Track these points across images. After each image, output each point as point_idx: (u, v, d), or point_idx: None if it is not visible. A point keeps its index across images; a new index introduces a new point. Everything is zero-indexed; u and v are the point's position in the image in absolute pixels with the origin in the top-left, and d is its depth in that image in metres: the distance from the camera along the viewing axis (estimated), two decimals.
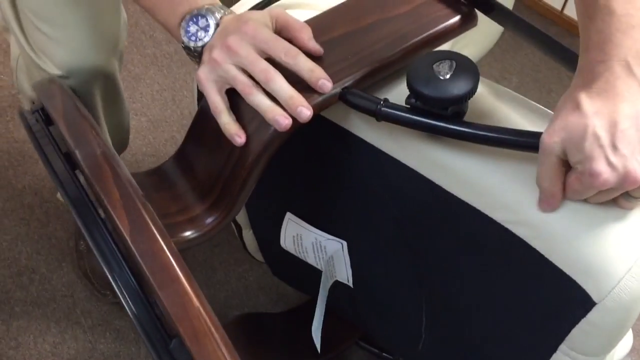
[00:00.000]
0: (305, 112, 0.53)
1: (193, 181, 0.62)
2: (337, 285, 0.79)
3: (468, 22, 0.62)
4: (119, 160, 0.53)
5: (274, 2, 0.67)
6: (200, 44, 0.56)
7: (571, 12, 1.60)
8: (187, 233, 0.58)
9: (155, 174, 0.64)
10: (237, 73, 0.54)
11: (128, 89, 1.46)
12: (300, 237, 0.78)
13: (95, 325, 1.11)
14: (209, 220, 0.59)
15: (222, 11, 0.58)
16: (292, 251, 0.81)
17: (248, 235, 0.98)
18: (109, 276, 0.49)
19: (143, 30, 1.57)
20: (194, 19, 0.56)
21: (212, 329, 0.47)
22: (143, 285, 0.50)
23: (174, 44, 1.50)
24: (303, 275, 0.85)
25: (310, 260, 0.80)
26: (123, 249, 0.51)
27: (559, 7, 1.61)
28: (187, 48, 0.58)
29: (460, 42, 1.20)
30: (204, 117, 0.62)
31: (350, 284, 0.77)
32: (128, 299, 0.49)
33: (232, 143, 0.58)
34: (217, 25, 0.57)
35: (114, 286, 0.49)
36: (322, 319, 0.78)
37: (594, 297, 0.49)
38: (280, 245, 0.80)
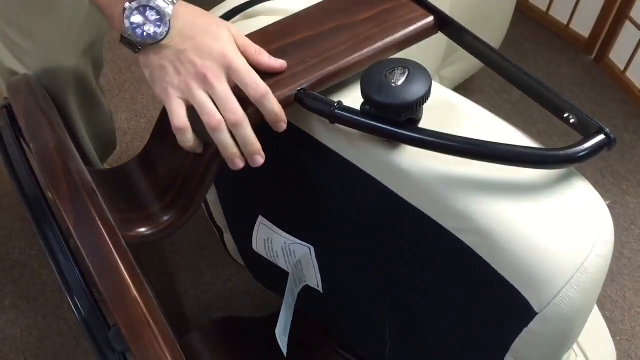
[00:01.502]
0: (259, 159, 0.56)
1: (153, 180, 0.62)
2: (308, 289, 0.79)
3: (429, 30, 0.62)
4: (73, 154, 0.54)
5: (240, 12, 0.68)
6: (149, 40, 0.54)
7: (577, 26, 1.58)
8: (142, 229, 0.59)
9: (120, 172, 0.65)
10: (207, 102, 0.54)
11: (130, 90, 1.48)
12: (270, 240, 0.78)
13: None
14: (165, 218, 0.60)
15: (170, 3, 0.54)
16: (264, 255, 0.81)
17: (229, 239, 0.98)
18: (54, 267, 0.50)
19: None
20: (141, 10, 0.53)
21: (150, 319, 0.47)
22: (87, 277, 0.51)
23: None
24: (279, 279, 0.85)
25: (281, 264, 0.80)
26: (72, 243, 0.52)
27: (565, 21, 1.59)
28: (126, 40, 0.54)
29: (453, 56, 1.21)
30: (167, 118, 0.63)
31: (320, 289, 0.77)
32: (71, 288, 0.50)
33: None
34: (168, 19, 0.54)
35: (58, 277, 0.50)
36: (289, 324, 0.78)
37: (535, 307, 0.49)
38: None
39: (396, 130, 0.53)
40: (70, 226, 0.49)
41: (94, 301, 0.50)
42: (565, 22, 1.60)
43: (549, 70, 1.56)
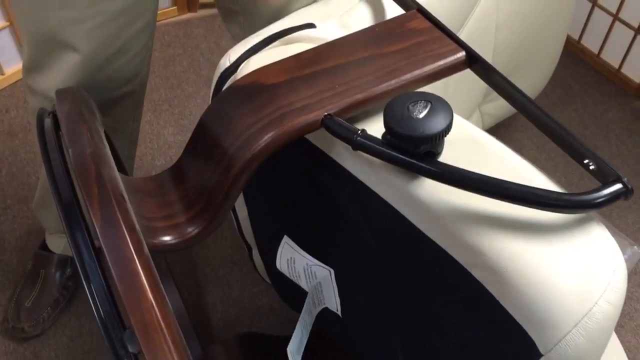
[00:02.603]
0: None
1: (183, 191, 0.65)
2: (327, 310, 0.80)
3: (459, 65, 0.63)
4: (107, 160, 0.57)
5: (279, 38, 0.71)
6: None
7: (629, 71, 1.56)
8: (167, 238, 0.62)
9: (153, 181, 0.68)
10: None
11: (179, 106, 1.54)
12: (293, 260, 0.80)
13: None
14: (190, 229, 0.62)
15: None
16: (286, 274, 0.82)
17: (257, 256, 1.00)
18: (79, 267, 0.53)
19: (202, 52, 1.66)
20: None
21: (163, 325, 0.49)
22: (108, 279, 0.54)
23: None
24: (302, 299, 0.86)
25: (303, 284, 0.81)
26: (98, 245, 0.55)
27: (616, 65, 1.57)
28: None
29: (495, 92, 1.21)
30: (201, 130, 0.66)
31: (339, 312, 0.78)
32: (92, 288, 0.52)
33: (220, 156, 0.61)
34: None
35: (82, 277, 0.53)
36: (304, 344, 0.79)
37: (541, 348, 0.49)
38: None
39: (414, 161, 0.54)
40: (96, 228, 0.52)
41: (113, 302, 0.53)
42: (616, 65, 1.57)
43: (596, 113, 1.54)
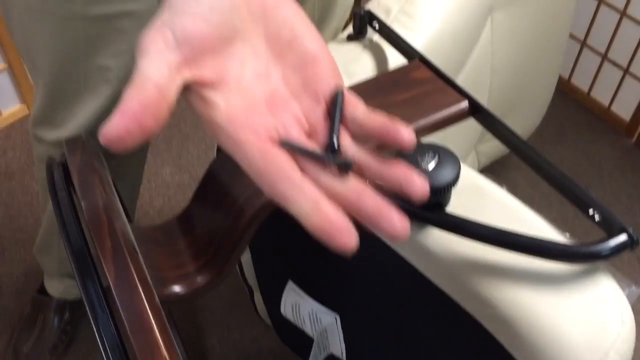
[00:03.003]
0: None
1: (191, 240, 0.66)
2: (332, 358, 0.80)
3: (463, 114, 0.64)
4: (119, 213, 0.58)
5: None
6: None
7: (619, 109, 1.59)
8: (177, 288, 0.62)
9: (161, 230, 0.68)
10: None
11: (177, 146, 1.55)
12: (298, 306, 0.80)
13: None
14: (199, 278, 0.63)
15: None
16: (290, 319, 0.82)
17: (258, 299, 1.00)
18: (91, 319, 0.53)
19: None
20: None
21: None
22: (122, 333, 0.54)
23: None
24: (305, 343, 0.86)
25: (307, 330, 0.81)
26: (111, 302, 0.55)
27: (606, 103, 1.61)
28: None
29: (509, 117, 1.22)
30: (210, 179, 0.67)
31: (344, 358, 0.78)
32: (105, 342, 0.52)
33: (229, 206, 0.62)
34: None
35: (94, 329, 0.53)
36: None
37: None
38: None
39: (423, 212, 0.55)
40: (110, 283, 0.52)
41: (126, 356, 0.53)
42: (606, 104, 1.61)
43: (588, 151, 1.57)
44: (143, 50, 0.34)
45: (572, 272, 0.52)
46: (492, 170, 1.41)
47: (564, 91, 1.68)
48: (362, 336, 0.74)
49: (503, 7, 1.01)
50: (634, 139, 1.56)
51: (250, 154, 0.35)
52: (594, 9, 1.52)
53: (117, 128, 0.32)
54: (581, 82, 1.66)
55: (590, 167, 1.53)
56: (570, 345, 0.49)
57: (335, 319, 0.75)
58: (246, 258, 0.93)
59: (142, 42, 0.34)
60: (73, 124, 0.78)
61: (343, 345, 0.77)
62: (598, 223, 0.54)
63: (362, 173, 0.37)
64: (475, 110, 0.66)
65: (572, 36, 1.61)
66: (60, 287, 1.11)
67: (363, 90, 0.68)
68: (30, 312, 1.14)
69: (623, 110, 1.58)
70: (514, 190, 1.63)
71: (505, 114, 1.23)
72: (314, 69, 0.39)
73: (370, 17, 0.78)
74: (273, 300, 0.92)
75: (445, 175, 0.54)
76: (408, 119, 0.64)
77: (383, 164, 0.37)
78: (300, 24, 0.39)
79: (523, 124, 1.35)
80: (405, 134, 0.37)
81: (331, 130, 0.38)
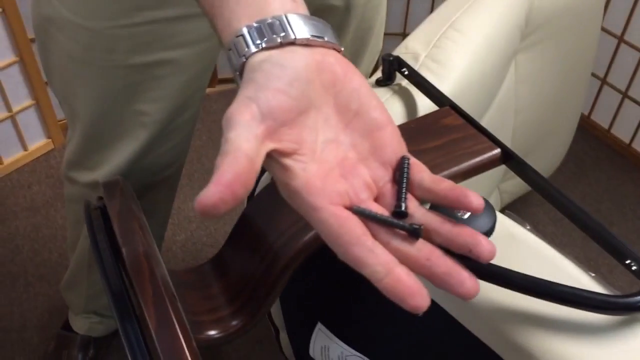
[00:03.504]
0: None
1: (225, 283, 0.66)
2: None
3: (495, 162, 0.65)
4: (159, 259, 0.59)
5: None
6: None
7: (639, 146, 1.59)
8: (212, 332, 0.62)
9: (194, 273, 0.69)
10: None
11: (199, 180, 1.57)
12: (327, 348, 0.80)
13: None
14: (234, 322, 0.63)
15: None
16: None
17: (284, 339, 1.00)
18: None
19: (221, 127, 1.69)
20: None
21: None
22: None
23: None
24: None
25: None
26: (150, 344, 0.56)
27: (627, 140, 1.61)
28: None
29: (532, 155, 1.23)
30: (244, 223, 0.68)
31: None
32: None
33: (264, 251, 0.63)
34: None
35: None
36: None
37: None
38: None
39: (461, 261, 0.55)
40: (151, 329, 0.53)
41: None
42: (627, 141, 1.61)
43: (609, 187, 1.56)
44: (231, 122, 0.36)
45: (610, 322, 0.53)
46: (514, 206, 1.41)
47: (585, 127, 1.69)
48: None
49: (527, 50, 1.02)
50: None
51: (326, 219, 0.37)
52: (615, 46, 1.54)
53: (212, 197, 0.34)
54: (602, 118, 1.66)
55: (612, 204, 1.52)
56: None
57: None
58: None
59: (229, 114, 0.37)
60: (108, 167, 0.79)
61: None
62: (635, 273, 0.54)
63: (429, 236, 0.40)
64: (507, 157, 0.67)
65: (592, 74, 1.62)
66: (86, 323, 1.12)
67: None
68: (55, 349, 1.14)
69: None
70: (536, 227, 1.62)
71: (528, 152, 1.24)
72: (380, 136, 0.42)
73: (400, 63, 0.79)
74: (300, 341, 0.92)
75: (481, 224, 0.55)
76: (440, 166, 0.65)
77: (451, 228, 0.40)
78: (366, 93, 0.41)
79: (545, 162, 1.35)
80: (474, 198, 0.39)
81: (399, 195, 0.41)
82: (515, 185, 1.29)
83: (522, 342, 0.53)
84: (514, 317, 0.54)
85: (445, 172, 0.65)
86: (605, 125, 1.65)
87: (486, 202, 0.57)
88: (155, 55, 0.69)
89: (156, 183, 0.88)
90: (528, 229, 0.94)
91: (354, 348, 0.75)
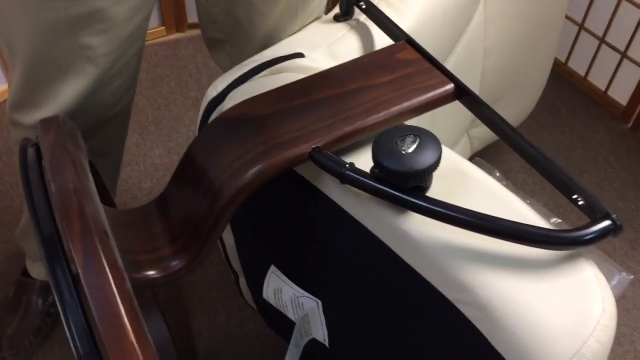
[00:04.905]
0: None
1: (167, 224, 0.64)
2: (314, 341, 0.79)
3: (448, 97, 0.63)
4: (91, 196, 0.56)
5: (267, 67, 0.70)
6: None
7: (615, 94, 1.57)
8: (151, 272, 0.60)
9: (138, 213, 0.67)
10: None
11: (166, 128, 1.53)
12: (280, 290, 0.78)
13: None
14: (175, 263, 0.61)
15: None
16: (273, 304, 0.81)
17: (243, 283, 0.99)
18: (59, 304, 0.52)
19: (190, 73, 1.65)
20: None
21: None
22: (90, 319, 0.52)
23: None
24: (289, 327, 0.85)
25: (290, 314, 0.80)
26: (79, 284, 0.54)
27: (603, 87, 1.58)
28: None
29: (503, 100, 1.20)
30: (188, 161, 0.65)
31: (326, 343, 0.77)
32: (72, 327, 0.51)
33: (206, 189, 0.60)
34: None
35: (62, 315, 0.51)
36: None
37: None
38: None
39: (403, 196, 0.53)
40: (78, 267, 0.51)
41: (94, 342, 0.51)
42: (603, 88, 1.58)
43: (583, 135, 1.55)
44: None
45: (553, 258, 0.51)
46: (485, 154, 1.39)
47: (561, 75, 1.66)
48: (345, 322, 0.72)
49: None
50: (630, 123, 1.54)
51: None
52: None
53: None
54: (578, 65, 1.63)
55: (585, 152, 1.51)
56: (548, 332, 0.47)
57: (317, 304, 0.74)
58: (230, 243, 0.91)
59: None
60: (54, 105, 0.76)
61: (325, 330, 0.75)
62: (581, 208, 0.52)
63: None
64: (462, 93, 0.64)
65: (569, 19, 1.58)
66: (43, 270, 1.10)
67: (346, 71, 0.66)
68: (14, 295, 1.12)
69: (620, 94, 1.55)
70: (507, 174, 1.60)
71: (500, 97, 1.21)
72: None
73: None
74: (257, 284, 0.91)
75: (425, 158, 0.53)
76: (392, 101, 0.62)
77: None
78: None
79: (518, 107, 1.33)
80: None
81: None
82: (486, 131, 1.26)
83: (464, 279, 0.52)
84: (457, 253, 0.53)
85: (397, 108, 0.62)
86: (582, 72, 1.62)
87: (432, 136, 0.55)
88: None
89: (107, 120, 0.84)
90: (497, 176, 0.93)
91: (305, 289, 0.74)
